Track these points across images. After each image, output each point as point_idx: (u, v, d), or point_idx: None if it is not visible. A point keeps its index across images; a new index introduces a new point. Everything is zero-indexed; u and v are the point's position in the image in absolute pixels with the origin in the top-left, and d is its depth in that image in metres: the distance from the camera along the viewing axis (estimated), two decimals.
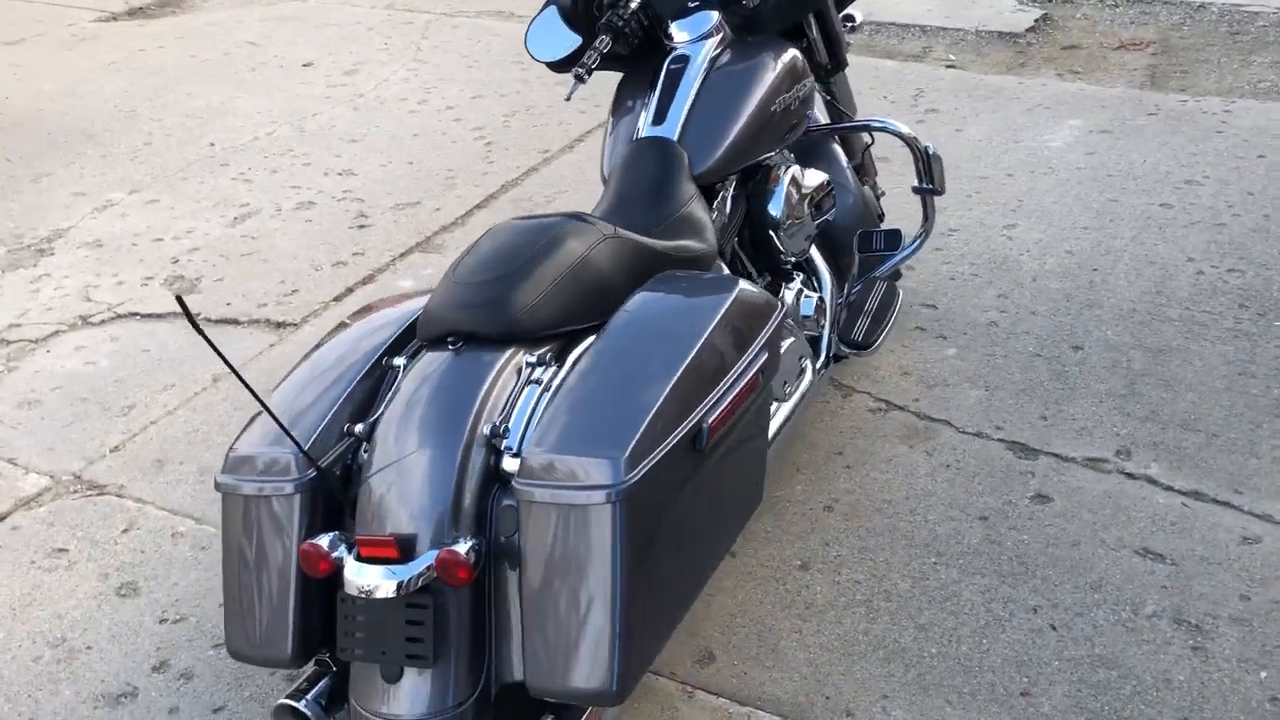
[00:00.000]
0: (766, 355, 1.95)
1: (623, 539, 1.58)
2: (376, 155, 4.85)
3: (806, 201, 2.68)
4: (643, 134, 2.49)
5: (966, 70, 5.43)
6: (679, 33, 2.61)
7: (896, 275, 3.33)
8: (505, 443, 1.72)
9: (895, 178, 3.86)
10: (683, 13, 2.64)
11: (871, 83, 5.21)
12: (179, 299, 1.44)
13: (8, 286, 3.97)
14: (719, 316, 1.86)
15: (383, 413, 1.78)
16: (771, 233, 2.60)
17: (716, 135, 2.47)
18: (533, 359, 1.82)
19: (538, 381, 1.80)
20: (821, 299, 2.77)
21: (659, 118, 2.51)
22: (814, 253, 2.83)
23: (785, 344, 2.48)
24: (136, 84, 5.85)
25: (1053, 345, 3.30)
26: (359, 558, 1.62)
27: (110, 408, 3.28)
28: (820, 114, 3.12)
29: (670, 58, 2.59)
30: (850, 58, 3.09)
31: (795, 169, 2.68)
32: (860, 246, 2.95)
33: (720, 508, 1.88)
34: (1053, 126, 4.72)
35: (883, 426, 3.01)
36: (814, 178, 2.73)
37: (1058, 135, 4.64)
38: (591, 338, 1.87)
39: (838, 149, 3.08)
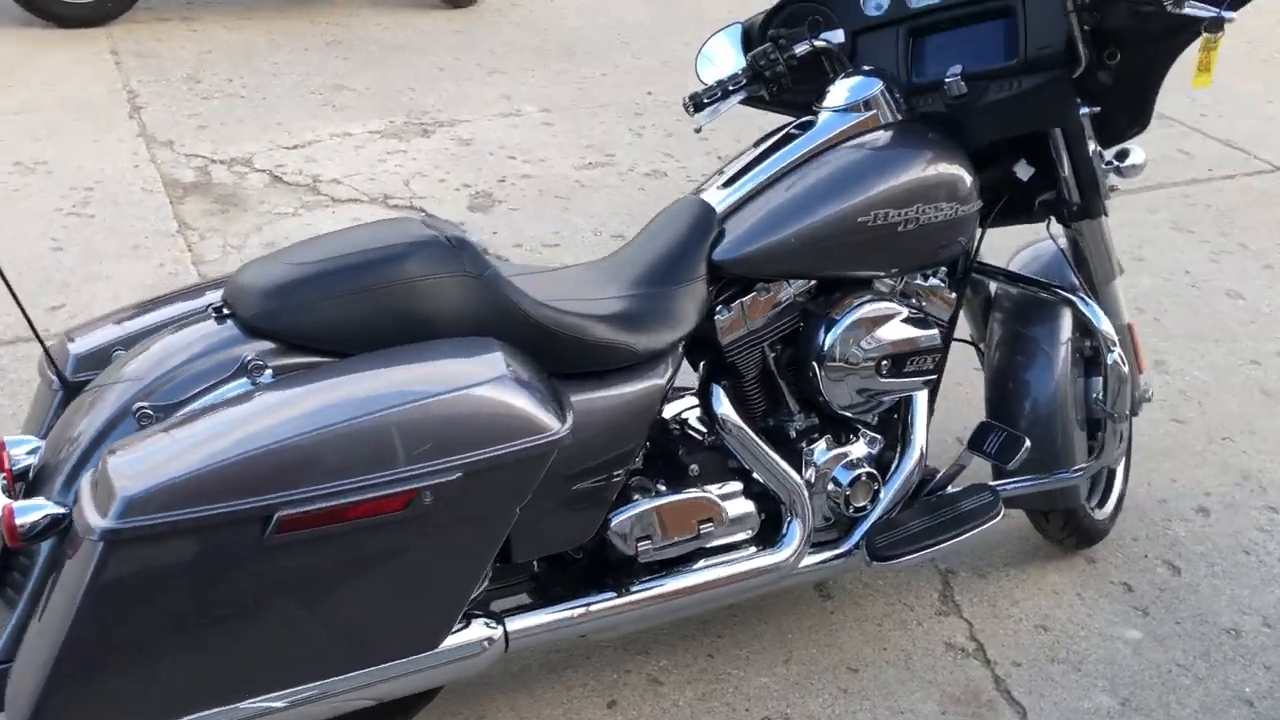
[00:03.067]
0: (471, 476, 1.51)
1: (93, 584, 1.34)
2: None
3: (883, 354, 2.02)
4: (704, 192, 2.04)
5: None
6: (832, 95, 2.08)
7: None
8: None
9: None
10: (852, 74, 2.10)
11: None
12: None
13: (368, 151, 4.33)
14: (414, 402, 1.47)
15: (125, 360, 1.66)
16: (814, 364, 2.00)
17: (765, 226, 1.95)
18: (256, 360, 1.57)
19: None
20: (872, 476, 2.10)
21: (729, 181, 2.04)
22: (907, 421, 2.15)
23: (719, 495, 1.96)
24: (658, 18, 6.04)
25: None
26: None
27: None
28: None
29: (800, 120, 2.08)
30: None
31: (885, 307, 2.03)
32: (972, 440, 2.20)
33: (310, 626, 1.50)
34: None
35: (940, 674, 2.26)
36: (910, 331, 2.04)
37: None
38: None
39: (1064, 313, 2.30)
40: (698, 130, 2.29)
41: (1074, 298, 2.24)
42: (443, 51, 5.45)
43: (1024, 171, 2.21)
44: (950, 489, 2.23)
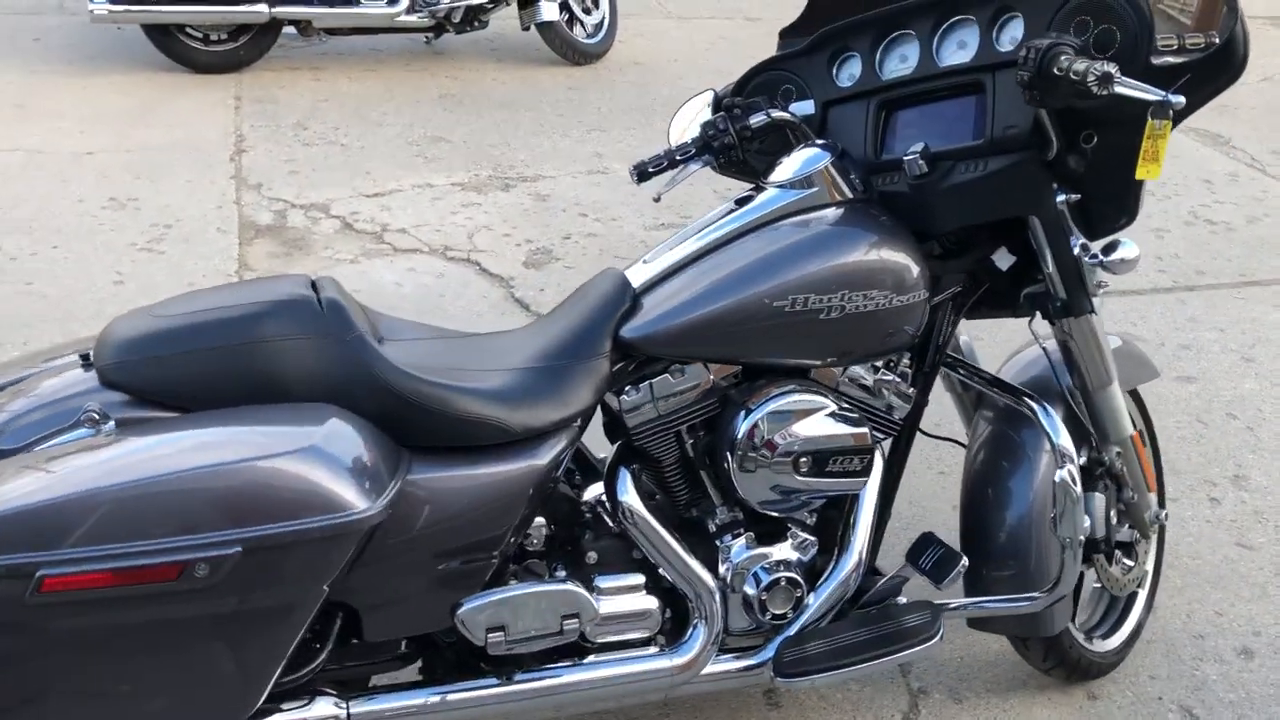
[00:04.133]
0: (249, 551, 1.43)
1: None
2: None
3: (802, 450, 1.85)
4: (633, 265, 1.93)
5: None
6: (779, 169, 1.95)
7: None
8: None
9: None
10: (806, 147, 1.96)
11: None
12: None
13: (444, 203, 4.38)
14: (202, 469, 1.41)
15: None
16: (726, 455, 1.85)
17: (676, 304, 1.82)
18: (97, 413, 1.55)
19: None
20: (794, 582, 1.92)
21: (657, 254, 1.92)
22: (849, 523, 1.96)
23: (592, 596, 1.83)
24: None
25: None
26: None
27: None
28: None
29: (743, 194, 1.96)
30: None
31: (809, 399, 1.85)
32: (911, 550, 1.98)
33: (102, 693, 1.44)
34: None
35: None
36: (834, 428, 1.86)
37: None
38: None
39: (1051, 414, 2.07)
40: (656, 199, 2.18)
41: (1033, 404, 2.01)
42: (549, 108, 5.50)
43: (1004, 260, 2.01)
44: (897, 601, 2.02)
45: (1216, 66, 1.74)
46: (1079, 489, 1.92)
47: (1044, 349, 2.10)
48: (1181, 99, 1.61)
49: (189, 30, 5.53)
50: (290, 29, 5.72)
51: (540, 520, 1.86)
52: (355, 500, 1.48)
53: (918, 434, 2.12)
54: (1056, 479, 1.92)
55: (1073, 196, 1.89)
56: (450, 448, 1.70)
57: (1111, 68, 1.61)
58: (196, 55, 5.57)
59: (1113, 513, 2.20)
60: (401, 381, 1.65)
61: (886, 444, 2.04)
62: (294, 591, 1.49)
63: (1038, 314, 2.04)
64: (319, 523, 1.45)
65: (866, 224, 1.87)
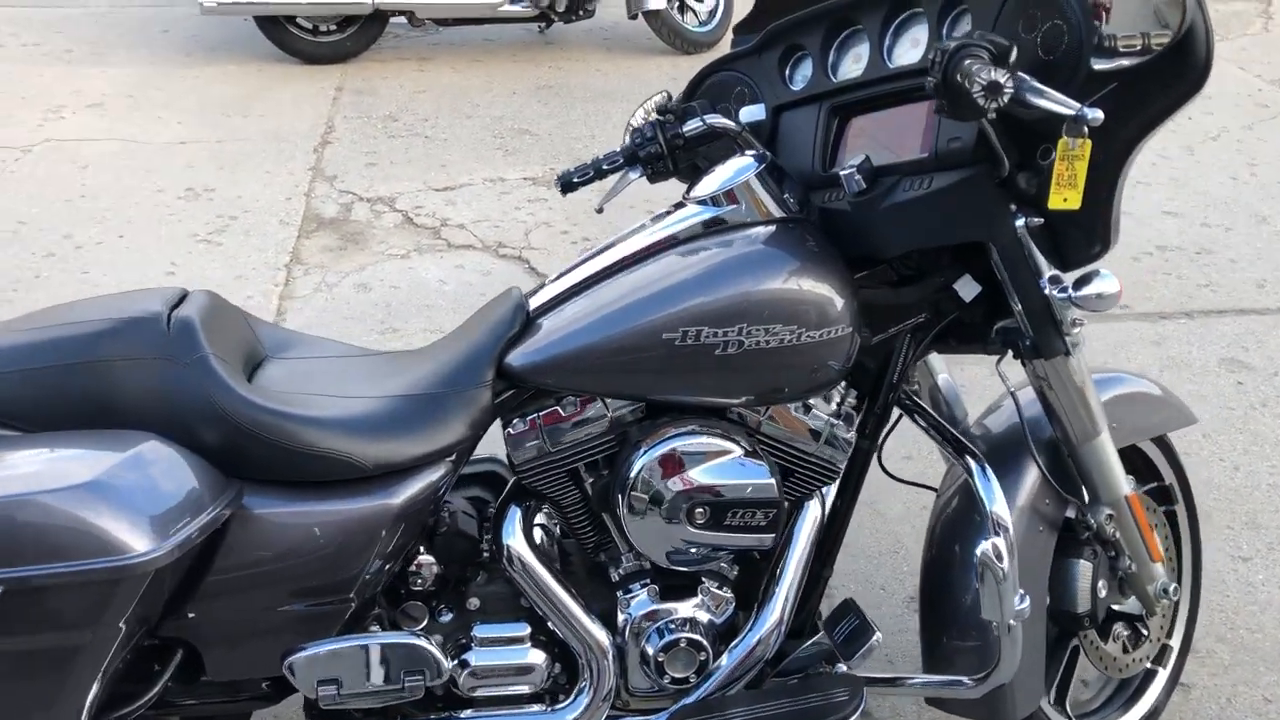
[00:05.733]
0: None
1: None
2: None
3: (696, 500, 1.64)
4: (538, 287, 1.77)
5: None
6: (702, 183, 1.75)
7: None
8: None
9: None
10: (736, 158, 1.75)
11: None
12: None
13: (511, 198, 4.28)
14: None
15: None
16: (617, 499, 1.66)
17: (564, 332, 1.64)
18: None
19: None
20: (696, 645, 1.71)
21: (561, 275, 1.76)
22: (773, 580, 1.75)
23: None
24: None
25: None
26: None
27: None
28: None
29: (662, 211, 1.77)
30: None
31: (708, 442, 1.64)
32: (829, 618, 1.74)
33: None
34: None
35: None
36: (734, 477, 1.64)
37: None
38: None
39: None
40: (599, 210, 2.01)
41: (971, 461, 1.73)
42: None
43: (967, 290, 1.74)
44: (819, 670, 1.78)
45: (1170, 72, 1.43)
46: (1006, 565, 1.64)
47: (1012, 394, 1.82)
48: (1098, 113, 1.33)
49: (299, 21, 5.62)
50: (401, 19, 5.75)
51: (430, 559, 1.73)
52: (132, 542, 1.37)
53: (888, 477, 1.89)
54: (978, 552, 1.64)
55: (1034, 220, 1.61)
56: (297, 482, 1.58)
57: (1002, 76, 1.34)
58: (305, 46, 5.66)
59: (1102, 584, 1.90)
60: (239, 410, 1.54)
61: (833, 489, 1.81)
62: (77, 633, 1.39)
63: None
64: (83, 567, 1.34)
65: (781, 248, 1.64)
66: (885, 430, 1.82)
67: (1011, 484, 1.81)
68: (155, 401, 1.53)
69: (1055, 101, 1.37)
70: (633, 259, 1.70)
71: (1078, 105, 1.35)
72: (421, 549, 1.73)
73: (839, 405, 1.78)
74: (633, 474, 1.64)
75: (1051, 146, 1.53)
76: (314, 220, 4.08)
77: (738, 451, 1.65)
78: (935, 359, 1.97)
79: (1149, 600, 1.93)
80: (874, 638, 1.71)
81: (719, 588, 1.76)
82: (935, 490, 1.97)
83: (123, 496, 1.39)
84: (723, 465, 1.65)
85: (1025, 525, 1.81)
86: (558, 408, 1.67)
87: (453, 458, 1.66)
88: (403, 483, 1.61)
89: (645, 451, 1.64)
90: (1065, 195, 1.44)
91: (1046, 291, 1.65)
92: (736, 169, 1.72)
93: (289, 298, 3.56)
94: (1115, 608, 1.96)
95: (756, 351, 1.60)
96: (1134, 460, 2.06)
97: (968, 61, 1.37)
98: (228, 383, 1.55)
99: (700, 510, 1.65)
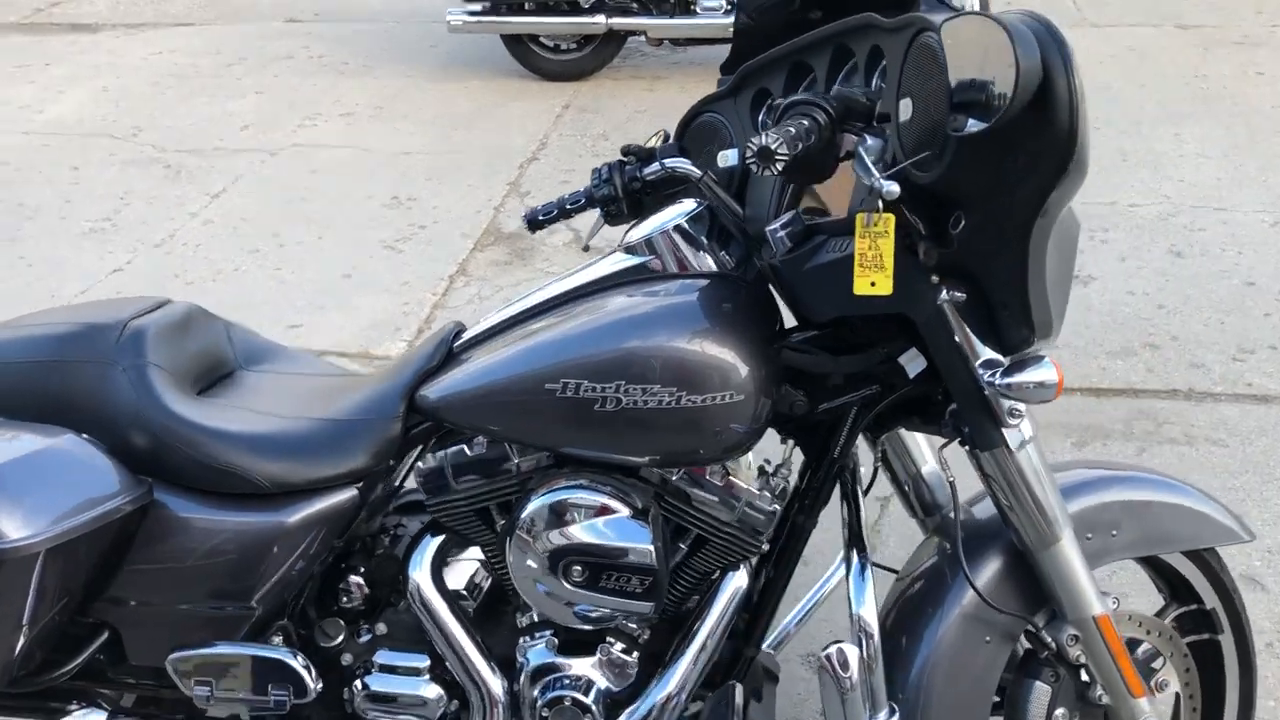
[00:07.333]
0: None
1: None
2: None
3: (572, 557, 1.58)
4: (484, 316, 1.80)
5: None
6: (636, 229, 1.71)
7: None
8: None
9: None
10: (675, 205, 1.70)
11: None
12: None
13: None
14: None
15: None
16: (507, 544, 1.64)
17: (469, 372, 1.65)
18: None
19: None
20: (581, 706, 1.65)
21: (494, 312, 1.77)
22: (680, 646, 1.66)
23: None
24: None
25: None
26: None
27: None
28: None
29: (601, 257, 1.74)
30: None
31: (594, 499, 1.58)
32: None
33: None
34: None
35: None
36: (610, 539, 1.56)
37: None
38: None
39: (862, 577, 1.61)
40: (585, 249, 1.98)
41: (856, 552, 1.55)
42: None
43: (913, 366, 1.58)
44: None
45: (1031, 140, 1.23)
46: (854, 675, 1.46)
47: (950, 484, 1.63)
48: (894, 186, 1.16)
49: (541, 40, 5.87)
50: (640, 38, 5.87)
51: (359, 580, 1.79)
52: (9, 529, 1.51)
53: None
54: (821, 654, 1.47)
55: (957, 296, 1.44)
56: (208, 490, 1.68)
57: (772, 140, 1.20)
58: (545, 64, 5.90)
59: (1062, 711, 1.67)
60: (155, 417, 1.66)
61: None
62: None
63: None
64: None
65: (681, 305, 1.56)
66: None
67: (961, 584, 1.63)
68: (91, 402, 1.68)
69: (862, 170, 1.22)
70: (553, 303, 1.67)
71: (877, 177, 1.19)
72: (360, 568, 1.79)
73: (771, 476, 1.68)
74: (518, 521, 1.62)
75: (961, 212, 1.37)
76: (492, 234, 4.26)
77: (624, 512, 1.59)
78: (924, 447, 1.82)
79: None
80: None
81: (622, 649, 1.70)
82: (897, 573, 1.80)
83: (16, 485, 1.54)
84: (604, 524, 1.59)
85: (964, 632, 1.62)
86: (463, 447, 1.68)
87: (360, 484, 1.70)
88: (300, 503, 1.67)
89: (532, 499, 1.62)
90: (872, 279, 1.28)
91: (978, 375, 1.47)
92: (663, 219, 1.65)
93: (442, 307, 3.74)
94: None
95: (635, 411, 1.53)
96: (1170, 579, 1.80)
97: (788, 122, 1.25)
98: (155, 390, 1.67)
99: (578, 568, 1.60)
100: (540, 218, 1.89)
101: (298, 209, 4.51)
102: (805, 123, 1.30)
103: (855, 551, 1.60)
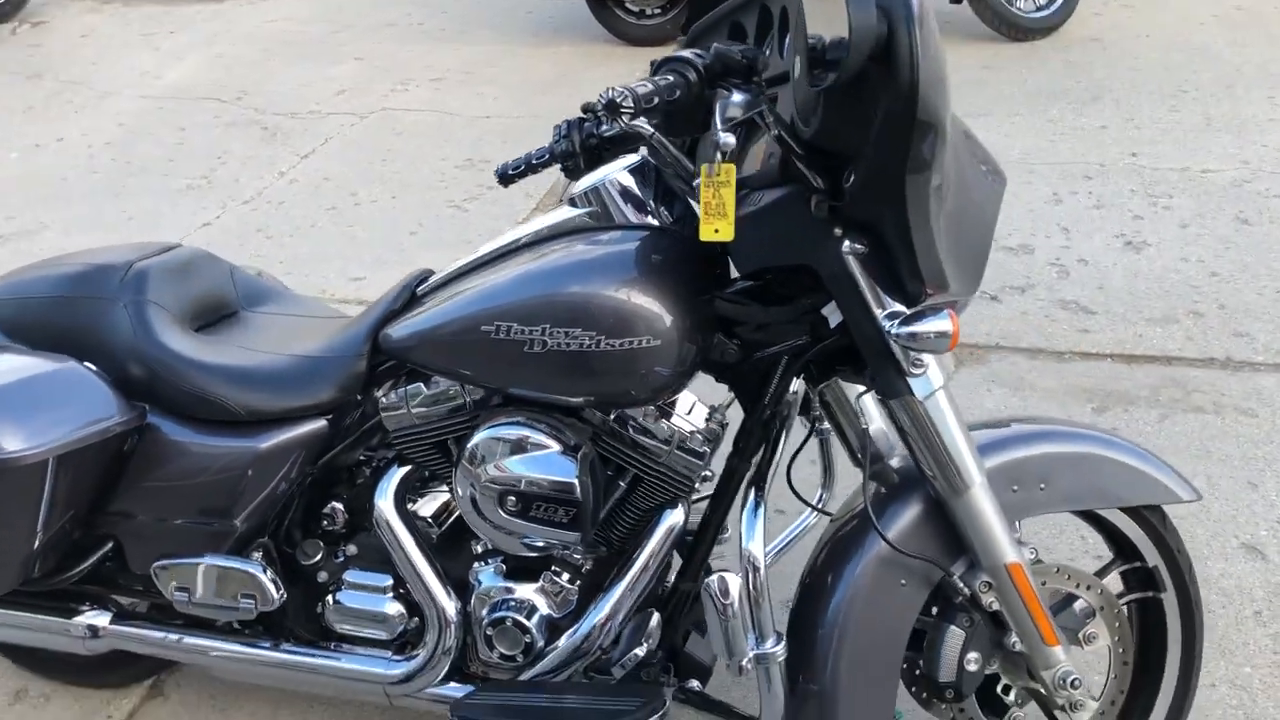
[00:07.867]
0: None
1: None
2: None
3: (506, 486, 1.70)
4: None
5: None
6: (577, 183, 1.81)
7: None
8: None
9: None
10: (620, 160, 1.80)
11: None
12: None
13: None
14: None
15: None
16: (455, 474, 1.77)
17: (427, 314, 1.78)
18: None
19: None
20: (521, 627, 1.78)
21: (468, 257, 1.90)
22: (615, 578, 1.78)
23: None
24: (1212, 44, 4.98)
25: None
26: None
27: None
28: None
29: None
30: None
31: (526, 434, 1.69)
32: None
33: None
34: None
35: None
36: (538, 471, 1.67)
37: None
38: None
39: (754, 513, 1.68)
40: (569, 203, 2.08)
41: (753, 490, 1.63)
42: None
43: (834, 316, 1.65)
44: (631, 677, 1.79)
45: (879, 91, 1.28)
46: (734, 603, 1.54)
47: (865, 430, 1.69)
48: (730, 138, 1.22)
49: (627, 5, 5.95)
50: None
51: (340, 506, 1.96)
52: (8, 442, 1.71)
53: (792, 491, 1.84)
54: (706, 583, 1.56)
55: (858, 248, 1.50)
56: (195, 416, 1.86)
57: (619, 95, 1.27)
58: (629, 29, 5.99)
59: (974, 656, 1.72)
60: (149, 351, 1.84)
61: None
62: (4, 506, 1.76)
63: None
64: None
65: (608, 254, 1.65)
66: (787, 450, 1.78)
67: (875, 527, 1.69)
68: (96, 334, 1.88)
69: (714, 123, 1.29)
70: (504, 251, 1.79)
71: (716, 128, 1.26)
72: (343, 496, 1.96)
73: (707, 420, 1.77)
74: (463, 453, 1.75)
75: (852, 166, 1.44)
76: (555, 194, 4.38)
77: (554, 447, 1.71)
78: (869, 401, 1.88)
79: (1048, 688, 1.71)
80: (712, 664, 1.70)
81: (567, 579, 1.82)
82: (831, 515, 1.87)
83: (27, 403, 1.75)
84: (534, 458, 1.71)
85: (879, 575, 1.69)
86: (421, 383, 1.82)
87: (329, 415, 1.85)
88: (274, 431, 1.84)
89: (475, 434, 1.74)
90: (716, 225, 1.35)
91: (881, 325, 1.53)
92: (603, 173, 1.74)
93: None
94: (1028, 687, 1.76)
95: (560, 353, 1.64)
96: (1115, 536, 1.83)
97: (658, 75, 1.33)
98: (151, 326, 1.86)
99: (511, 498, 1.72)
100: (510, 172, 2.00)
101: (377, 170, 4.72)
102: (670, 78, 1.38)
103: (754, 490, 1.68)
